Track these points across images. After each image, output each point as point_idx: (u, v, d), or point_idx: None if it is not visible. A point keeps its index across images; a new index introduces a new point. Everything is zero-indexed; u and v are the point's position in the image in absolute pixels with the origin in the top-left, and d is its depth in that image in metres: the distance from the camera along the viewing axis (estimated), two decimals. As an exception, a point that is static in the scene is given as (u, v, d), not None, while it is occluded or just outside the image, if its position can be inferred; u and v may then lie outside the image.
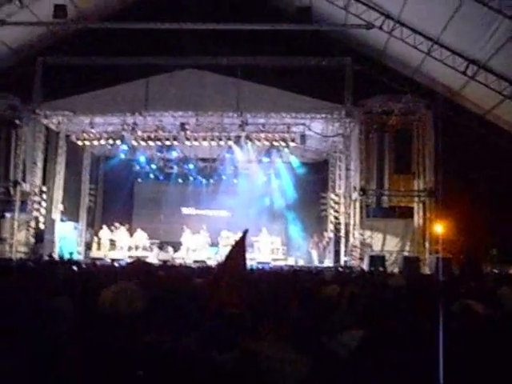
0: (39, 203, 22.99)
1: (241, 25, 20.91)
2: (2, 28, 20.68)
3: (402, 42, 20.15)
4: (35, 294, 4.33)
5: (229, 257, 4.55)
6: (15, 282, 5.83)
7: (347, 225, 22.03)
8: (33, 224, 22.54)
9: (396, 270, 19.57)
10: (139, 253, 23.67)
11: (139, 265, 3.83)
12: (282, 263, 22.55)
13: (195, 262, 21.71)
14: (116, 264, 17.60)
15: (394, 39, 20.52)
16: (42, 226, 22.80)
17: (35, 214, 22.75)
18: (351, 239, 21.55)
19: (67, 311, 3.41)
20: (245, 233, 4.35)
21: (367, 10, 20.05)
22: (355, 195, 21.68)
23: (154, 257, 23.17)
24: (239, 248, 4.60)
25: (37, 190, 22.88)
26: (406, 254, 21.42)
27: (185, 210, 28.14)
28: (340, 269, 19.29)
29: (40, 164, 23.22)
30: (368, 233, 21.56)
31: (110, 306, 3.08)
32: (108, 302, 3.10)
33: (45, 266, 13.62)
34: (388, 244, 21.80)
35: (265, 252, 23.88)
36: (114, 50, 22.03)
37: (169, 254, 24.08)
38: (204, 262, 21.78)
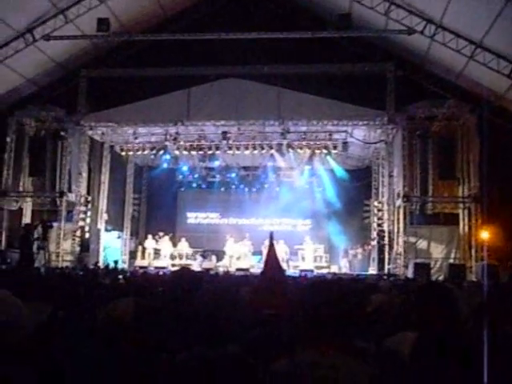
0: (84, 213, 23.37)
1: (281, 33, 20.93)
2: (48, 42, 21.12)
3: (444, 47, 19.86)
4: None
5: (265, 262, 4.57)
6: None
7: (391, 232, 21.83)
8: (78, 233, 22.89)
9: (441, 278, 19.31)
10: (183, 261, 23.85)
11: (184, 273, 3.84)
12: (325, 271, 22.44)
13: (238, 270, 21.76)
14: (160, 272, 17.73)
15: (436, 44, 20.24)
16: (87, 236, 23.16)
17: (81, 223, 23.11)
18: (395, 247, 21.34)
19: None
20: (271, 235, 4.36)
21: (408, 15, 19.83)
22: (399, 202, 21.46)
23: (197, 265, 23.30)
24: (271, 252, 4.62)
25: (82, 200, 23.26)
26: (451, 261, 21.11)
27: (227, 219, 28.30)
28: (384, 277, 19.08)
29: (85, 174, 23.60)
30: (412, 240, 21.33)
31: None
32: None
33: (92, 274, 13.83)
34: (433, 251, 21.53)
35: (308, 260, 23.83)
36: (156, 62, 22.34)
37: (212, 263, 24.19)
38: (247, 270, 21.83)
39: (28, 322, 1.76)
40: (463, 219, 21.65)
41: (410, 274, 19.63)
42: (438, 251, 21.51)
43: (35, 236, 18.92)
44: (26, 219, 23.18)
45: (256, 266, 23.38)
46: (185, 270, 4.03)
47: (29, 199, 23.69)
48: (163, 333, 3.12)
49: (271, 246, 4.58)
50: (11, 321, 1.72)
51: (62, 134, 23.10)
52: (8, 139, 23.00)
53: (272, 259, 4.28)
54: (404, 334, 3.33)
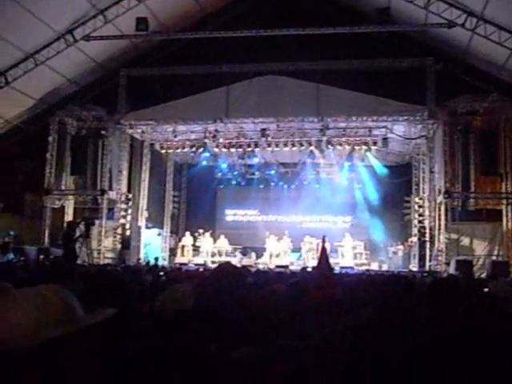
0: (125, 210, 23.63)
1: (319, 29, 20.82)
2: (88, 43, 21.42)
3: (485, 40, 19.50)
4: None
5: (317, 264, 4.77)
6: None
7: (432, 228, 21.55)
8: (119, 231, 23.17)
9: (484, 275, 19.00)
10: (222, 258, 23.91)
11: (227, 268, 3.85)
12: (364, 268, 22.30)
13: (277, 267, 21.76)
14: (200, 269, 17.82)
15: (477, 37, 19.86)
16: (128, 233, 23.42)
17: (122, 221, 23.37)
18: (436, 243, 21.07)
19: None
20: (323, 239, 4.61)
21: (448, 8, 19.51)
22: (440, 198, 21.17)
23: (236, 262, 23.30)
24: (323, 254, 4.86)
25: (123, 198, 23.53)
26: (494, 258, 20.74)
27: (266, 216, 28.33)
28: (425, 274, 18.86)
29: (125, 172, 23.87)
30: (454, 236, 21.04)
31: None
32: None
33: (133, 271, 13.98)
34: (475, 248, 21.19)
35: (348, 257, 23.69)
36: (195, 59, 22.47)
37: (251, 260, 24.24)
38: (286, 267, 21.81)
39: (79, 321, 1.76)
40: (506, 215, 21.24)
41: (451, 270, 19.37)
42: (480, 248, 21.16)
43: (77, 233, 19.19)
44: (68, 217, 23.56)
45: (295, 263, 23.38)
46: (227, 265, 4.02)
47: (71, 197, 24.11)
48: (218, 322, 3.13)
49: (323, 248, 4.82)
50: (57, 318, 1.73)
51: (103, 132, 23.44)
52: (50, 139, 23.41)
53: (323, 260, 4.50)
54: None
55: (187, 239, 25.27)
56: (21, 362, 1.65)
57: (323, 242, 5.03)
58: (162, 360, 2.78)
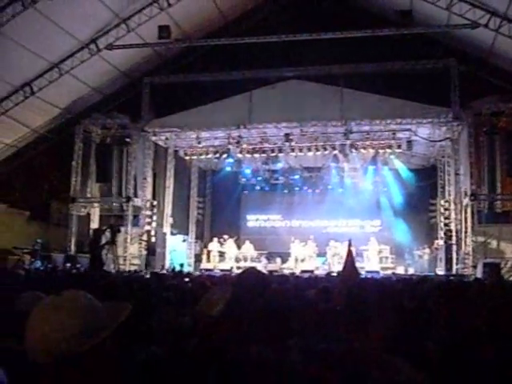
0: (150, 217, 23.76)
1: (341, 33, 20.78)
2: (111, 52, 21.62)
3: (510, 39, 19.30)
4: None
5: (343, 268, 4.74)
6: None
7: (458, 231, 21.35)
8: (145, 237, 23.27)
9: (512, 278, 18.77)
10: (247, 264, 23.88)
11: (252, 273, 3.86)
12: (390, 272, 22.14)
13: (303, 271, 21.69)
14: (227, 274, 17.84)
15: (501, 37, 19.67)
16: (153, 239, 23.50)
17: (147, 227, 23.49)
18: (463, 246, 20.87)
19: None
20: (349, 243, 4.61)
21: (471, 9, 19.34)
22: (466, 200, 20.97)
23: (262, 267, 23.26)
24: (349, 258, 4.84)
25: (148, 205, 23.67)
26: (523, 260, 20.50)
27: (290, 221, 28.31)
28: (451, 277, 18.68)
29: (150, 179, 24.02)
30: (481, 239, 20.81)
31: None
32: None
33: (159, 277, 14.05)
34: (503, 250, 20.93)
35: (373, 261, 23.55)
36: (218, 66, 22.59)
37: (277, 265, 24.20)
38: (312, 271, 21.74)
39: (107, 323, 1.78)
40: (534, 216, 21.02)
41: (479, 274, 19.14)
42: (508, 250, 20.89)
43: (103, 240, 19.33)
44: (94, 224, 23.75)
45: (321, 267, 23.29)
46: (252, 270, 4.03)
47: (96, 205, 24.30)
48: (247, 326, 3.15)
49: (350, 253, 4.81)
50: (90, 322, 1.75)
51: (127, 140, 23.64)
52: (75, 147, 23.67)
53: (350, 263, 4.49)
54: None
55: (213, 245, 25.33)
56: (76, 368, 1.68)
57: (349, 245, 4.99)
58: (187, 362, 2.80)
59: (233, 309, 3.17)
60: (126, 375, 2.57)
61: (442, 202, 23.37)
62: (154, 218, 23.93)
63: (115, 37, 21.43)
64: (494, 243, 21.08)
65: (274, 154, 24.02)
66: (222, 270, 22.70)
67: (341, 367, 2.56)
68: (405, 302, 5.23)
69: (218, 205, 28.56)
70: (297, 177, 26.85)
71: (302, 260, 24.00)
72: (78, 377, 1.69)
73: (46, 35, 19.87)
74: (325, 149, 23.27)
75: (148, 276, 14.58)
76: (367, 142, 22.91)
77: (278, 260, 24.91)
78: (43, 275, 13.57)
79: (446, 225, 22.61)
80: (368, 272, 21.32)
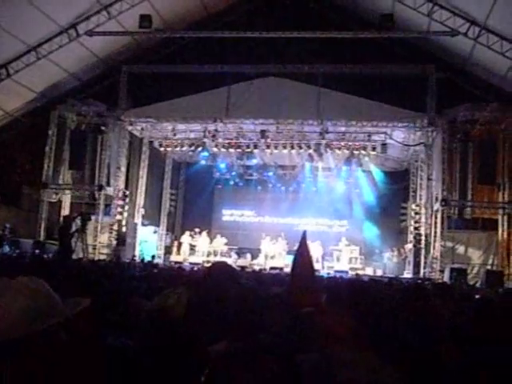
0: (122, 207, 23.63)
1: (322, 33, 20.84)
2: (91, 38, 21.42)
3: (488, 49, 19.53)
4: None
5: (295, 262, 4.42)
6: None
7: (428, 236, 21.58)
8: (115, 227, 23.15)
9: (478, 284, 19.03)
10: (217, 258, 23.89)
11: (222, 267, 3.83)
12: (360, 273, 22.29)
13: (272, 268, 21.75)
14: (195, 268, 17.83)
15: (479, 46, 19.90)
16: (124, 230, 23.41)
17: (118, 217, 23.37)
18: (431, 251, 21.08)
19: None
20: (304, 234, 4.20)
21: (452, 17, 19.54)
22: (437, 206, 21.19)
23: (232, 263, 23.28)
24: (303, 250, 4.43)
25: (120, 194, 23.52)
26: (489, 267, 20.77)
27: (263, 217, 28.35)
28: (419, 281, 18.87)
29: (123, 169, 23.87)
30: (449, 244, 21.07)
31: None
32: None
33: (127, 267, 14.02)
34: (470, 257, 21.24)
35: (343, 261, 23.73)
36: (197, 59, 22.47)
37: (247, 261, 24.24)
38: (281, 269, 21.80)
39: (58, 312, 1.78)
40: (502, 225, 21.27)
41: (446, 278, 19.39)
42: (475, 257, 21.21)
43: (74, 228, 19.18)
44: (65, 211, 23.54)
45: (290, 265, 23.35)
46: (222, 264, 4.01)
47: (68, 192, 24.05)
48: (208, 326, 3.15)
49: (303, 245, 4.42)
50: (43, 310, 1.74)
51: (103, 128, 23.45)
52: (49, 132, 23.40)
53: (304, 258, 4.18)
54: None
55: (184, 238, 25.29)
56: (9, 352, 1.66)
57: (303, 238, 4.49)
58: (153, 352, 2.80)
59: (197, 308, 3.17)
60: (95, 366, 2.57)
61: (413, 206, 23.61)
62: (126, 207, 23.82)
63: (95, 23, 21.25)
64: (461, 249, 21.38)
65: (249, 150, 24.05)
66: (191, 264, 22.67)
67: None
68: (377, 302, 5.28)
69: (191, 198, 28.48)
70: (271, 174, 26.96)
71: (272, 257, 24.08)
72: (21, 362, 1.68)
73: (25, 18, 19.57)
74: (300, 147, 23.36)
75: (117, 265, 14.51)
76: (342, 143, 23.05)
77: (248, 256, 24.98)
78: (10, 260, 13.42)
79: (415, 228, 22.85)
80: (337, 272, 21.48)
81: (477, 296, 7.19)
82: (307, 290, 3.92)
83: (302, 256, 4.28)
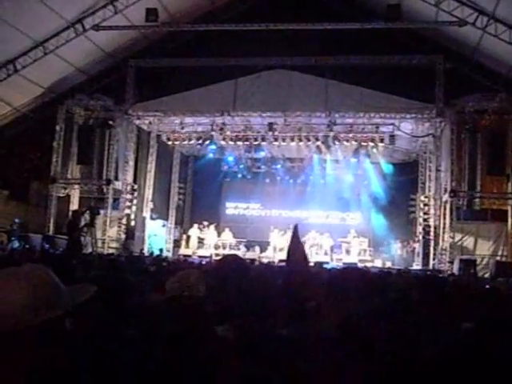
0: (130, 201, 23.65)
1: (329, 24, 20.77)
2: (97, 32, 21.43)
3: (496, 39, 19.40)
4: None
5: (288, 256, 4.33)
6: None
7: (437, 227, 21.50)
8: (124, 221, 23.18)
9: (487, 275, 18.98)
10: (226, 251, 23.91)
11: (233, 259, 3.85)
12: (369, 264, 22.27)
13: (281, 261, 21.75)
14: (203, 261, 17.87)
15: (487, 36, 19.77)
16: (132, 223, 23.46)
17: (127, 211, 23.39)
18: (441, 242, 21.02)
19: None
20: (295, 227, 4.14)
21: (460, 6, 19.40)
22: (446, 197, 21.12)
23: (240, 255, 23.30)
24: (295, 243, 4.34)
25: (128, 188, 23.53)
26: (498, 258, 20.70)
27: (270, 210, 28.34)
28: (428, 272, 18.84)
29: (132, 163, 23.88)
30: (459, 236, 21.01)
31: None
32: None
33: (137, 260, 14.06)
34: (479, 248, 21.15)
35: (352, 253, 23.70)
36: (204, 52, 22.42)
37: (256, 253, 24.23)
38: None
39: (63, 301, 1.77)
40: (511, 216, 21.20)
41: (455, 270, 19.35)
42: (484, 248, 21.12)
43: (82, 223, 19.23)
44: (74, 206, 23.59)
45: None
46: (233, 256, 4.03)
47: (76, 186, 24.09)
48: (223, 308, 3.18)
49: (295, 237, 4.31)
50: (49, 300, 1.73)
51: (110, 122, 23.47)
52: (57, 127, 23.43)
53: (296, 251, 4.10)
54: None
55: (193, 231, 25.33)
56: (18, 342, 1.65)
57: (295, 230, 4.33)
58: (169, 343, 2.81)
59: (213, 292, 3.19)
60: (101, 356, 2.57)
61: (422, 198, 23.53)
62: (134, 201, 23.84)
63: (102, 18, 21.24)
64: (471, 240, 21.28)
65: (257, 143, 24.02)
66: (200, 257, 22.71)
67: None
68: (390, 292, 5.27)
69: (199, 191, 28.47)
70: (279, 166, 26.93)
71: (281, 249, 24.03)
72: (21, 352, 1.67)
73: (31, 13, 19.59)
74: (308, 139, 23.31)
75: (126, 259, 14.56)
76: (350, 135, 23.01)
77: (257, 249, 24.95)
78: (20, 255, 13.47)
79: (424, 220, 22.78)
80: (346, 264, 21.46)
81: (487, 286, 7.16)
82: (305, 284, 3.90)
83: (295, 250, 4.20)
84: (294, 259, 4.03)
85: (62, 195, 23.72)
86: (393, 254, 25.00)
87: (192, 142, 24.54)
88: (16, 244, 19.73)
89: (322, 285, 3.63)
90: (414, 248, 23.90)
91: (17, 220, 21.63)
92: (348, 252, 23.83)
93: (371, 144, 23.07)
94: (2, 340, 1.63)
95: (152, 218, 25.17)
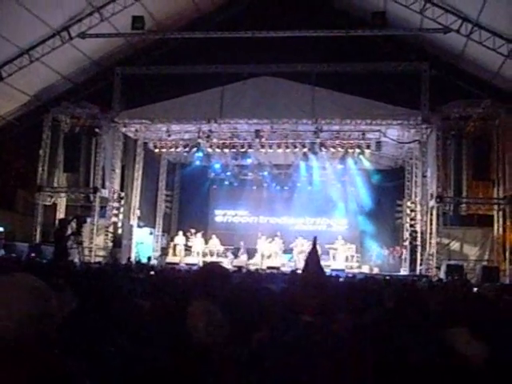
0: (117, 209, 23.60)
1: (315, 32, 20.86)
2: (83, 40, 21.38)
3: (480, 46, 19.55)
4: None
5: (305, 266, 4.47)
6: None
7: (423, 233, 21.62)
8: (111, 229, 23.12)
9: (474, 280, 19.07)
10: (214, 259, 23.93)
11: (213, 268, 3.86)
12: (356, 271, 22.31)
13: (269, 268, 21.76)
14: (192, 269, 17.83)
15: (472, 42, 19.93)
16: (119, 231, 23.37)
17: (114, 219, 23.32)
18: (427, 247, 21.11)
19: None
20: (314, 240, 4.26)
21: (444, 14, 19.55)
22: (432, 203, 21.22)
23: (228, 263, 23.32)
24: (313, 256, 4.50)
25: (115, 196, 23.48)
26: (484, 263, 20.83)
27: (258, 217, 28.35)
28: (415, 278, 18.91)
29: (118, 171, 23.83)
30: (445, 241, 21.10)
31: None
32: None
33: (124, 269, 13.99)
34: (466, 253, 21.30)
35: (340, 259, 23.72)
36: (190, 59, 22.42)
37: (243, 260, 24.21)
38: (278, 268, 21.82)
39: (57, 311, 1.76)
40: (497, 221, 21.33)
41: (442, 275, 19.43)
42: (471, 253, 21.29)
43: (69, 231, 19.13)
44: (60, 214, 23.45)
45: (287, 264, 23.43)
46: (213, 265, 4.04)
47: (63, 195, 23.97)
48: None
49: (314, 250, 4.46)
50: (43, 310, 1.72)
51: (97, 130, 23.40)
52: (43, 135, 23.33)
53: (313, 263, 4.21)
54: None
55: (180, 238, 25.26)
56: (18, 350, 1.65)
57: (314, 243, 4.63)
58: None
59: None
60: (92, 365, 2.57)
61: (409, 204, 23.65)
62: (121, 209, 23.78)
63: (88, 25, 21.21)
64: (457, 245, 21.43)
65: (243, 150, 24.03)
66: (187, 264, 22.68)
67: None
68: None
69: (186, 199, 28.46)
70: (266, 173, 26.99)
71: (269, 256, 24.06)
72: (20, 360, 1.66)
73: (17, 21, 19.57)
74: (295, 146, 23.36)
75: (112, 268, 14.49)
76: (337, 141, 23.09)
77: (245, 256, 24.93)
78: (6, 264, 13.37)
79: (411, 226, 22.91)
80: (333, 270, 21.47)
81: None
82: (315, 295, 3.92)
83: (310, 262, 4.30)
84: (308, 270, 4.08)
85: (48, 203, 23.60)
86: (380, 260, 25.05)
87: (179, 149, 24.53)
88: (2, 253, 19.62)
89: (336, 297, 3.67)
90: (402, 253, 23.99)
91: (2, 229, 21.53)
92: (335, 258, 23.85)
93: (358, 150, 23.14)
94: (3, 349, 1.63)
95: (139, 226, 25.09)
